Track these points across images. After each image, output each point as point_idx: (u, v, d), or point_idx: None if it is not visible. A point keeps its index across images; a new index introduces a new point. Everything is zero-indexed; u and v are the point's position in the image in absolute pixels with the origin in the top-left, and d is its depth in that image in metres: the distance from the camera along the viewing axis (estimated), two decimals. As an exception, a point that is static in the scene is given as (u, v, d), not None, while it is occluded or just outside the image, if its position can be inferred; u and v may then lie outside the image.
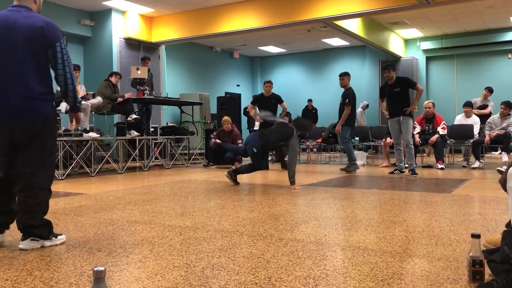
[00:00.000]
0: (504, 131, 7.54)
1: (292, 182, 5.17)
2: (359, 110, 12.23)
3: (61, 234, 2.75)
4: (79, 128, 7.30)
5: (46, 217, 2.68)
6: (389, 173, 6.87)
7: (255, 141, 5.34)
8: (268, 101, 7.70)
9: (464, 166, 8.07)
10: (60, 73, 2.60)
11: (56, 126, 2.80)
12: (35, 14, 2.64)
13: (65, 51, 2.62)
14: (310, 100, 13.36)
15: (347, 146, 7.42)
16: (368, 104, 12.93)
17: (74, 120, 2.85)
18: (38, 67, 2.58)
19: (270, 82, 7.79)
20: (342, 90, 7.41)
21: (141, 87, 8.39)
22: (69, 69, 2.62)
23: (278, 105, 7.83)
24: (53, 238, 2.66)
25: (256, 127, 10.84)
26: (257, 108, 7.63)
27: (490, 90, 9.52)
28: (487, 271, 1.95)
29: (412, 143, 6.65)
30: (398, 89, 6.54)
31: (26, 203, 2.56)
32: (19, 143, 2.56)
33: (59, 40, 2.59)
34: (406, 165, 6.77)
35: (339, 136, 7.49)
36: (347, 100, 7.25)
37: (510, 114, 7.77)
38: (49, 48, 2.57)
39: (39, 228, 2.59)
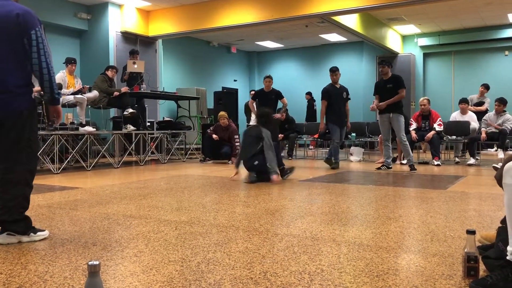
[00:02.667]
0: (500, 127, 7.56)
1: (273, 172, 5.25)
2: None
3: (43, 230, 2.68)
4: (75, 122, 7.27)
5: (28, 212, 2.63)
6: (376, 168, 6.90)
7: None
8: (268, 97, 7.72)
9: (457, 162, 8.08)
10: (35, 62, 2.47)
11: (34, 119, 2.64)
12: (11, 2, 2.53)
13: (41, 39, 2.48)
14: (308, 93, 13.42)
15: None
16: None
17: (54, 115, 2.70)
18: (16, 58, 2.48)
19: (269, 77, 7.79)
20: (340, 86, 7.33)
21: (130, 81, 8.37)
22: (45, 58, 2.48)
23: (279, 100, 7.87)
24: (32, 234, 2.61)
25: (252, 122, 10.87)
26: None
27: (486, 87, 9.53)
28: (482, 267, 1.95)
29: (405, 139, 6.67)
30: (391, 85, 6.60)
31: (1, 199, 2.53)
32: None
33: (34, 28, 2.46)
34: (404, 162, 6.79)
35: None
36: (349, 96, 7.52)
37: (505, 111, 7.79)
38: (24, 37, 2.46)
39: (14, 223, 2.55)
